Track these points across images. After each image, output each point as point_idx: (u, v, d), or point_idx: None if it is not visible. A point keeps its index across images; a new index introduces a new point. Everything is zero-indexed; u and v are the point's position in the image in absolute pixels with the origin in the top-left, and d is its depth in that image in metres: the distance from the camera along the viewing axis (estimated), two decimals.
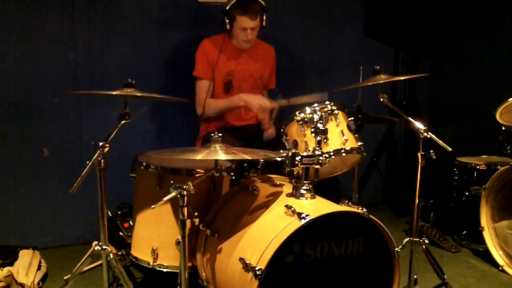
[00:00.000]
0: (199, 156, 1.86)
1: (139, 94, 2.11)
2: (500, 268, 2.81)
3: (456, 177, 3.21)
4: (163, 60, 3.23)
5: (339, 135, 2.16)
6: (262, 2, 2.77)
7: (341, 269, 1.86)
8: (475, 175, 3.07)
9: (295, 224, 1.74)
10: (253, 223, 1.92)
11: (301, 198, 1.99)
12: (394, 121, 3.16)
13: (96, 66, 3.05)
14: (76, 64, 3.00)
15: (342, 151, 2.14)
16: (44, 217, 3.04)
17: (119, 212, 2.91)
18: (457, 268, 2.86)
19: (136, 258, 2.30)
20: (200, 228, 2.12)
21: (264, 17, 2.81)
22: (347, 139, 2.15)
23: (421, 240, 2.37)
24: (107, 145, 2.00)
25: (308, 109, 2.13)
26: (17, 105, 2.90)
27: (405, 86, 3.98)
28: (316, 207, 1.92)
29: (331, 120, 2.16)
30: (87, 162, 1.98)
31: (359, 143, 2.22)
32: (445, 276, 2.46)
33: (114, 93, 2.09)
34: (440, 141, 2.26)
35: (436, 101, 4.12)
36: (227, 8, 2.75)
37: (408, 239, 2.38)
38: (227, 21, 2.78)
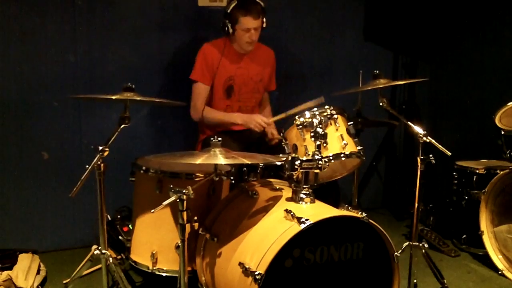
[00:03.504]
0: (198, 160, 1.86)
1: (138, 98, 2.11)
2: (499, 272, 2.80)
3: (456, 181, 3.20)
4: (163, 63, 3.23)
5: (339, 140, 2.16)
6: (262, 3, 2.77)
7: (340, 273, 1.86)
8: (474, 179, 3.07)
9: (295, 228, 1.74)
10: (253, 227, 1.92)
11: (300, 202, 1.99)
12: (394, 125, 3.16)
13: (96, 69, 3.04)
14: (76, 66, 3.00)
15: (342, 155, 2.15)
16: (43, 220, 3.03)
17: (119, 216, 2.91)
18: (457, 272, 2.86)
19: (135, 262, 2.29)
20: (200, 232, 2.12)
21: (264, 19, 2.81)
22: (347, 143, 2.16)
23: (420, 244, 2.37)
24: (107, 149, 2.01)
25: (307, 114, 2.14)
26: (16, 107, 2.89)
27: (404, 89, 3.98)
28: (316, 211, 1.92)
29: (331, 124, 2.17)
30: (87, 166, 1.98)
31: (359, 147, 2.23)
32: (444, 280, 2.46)
33: (114, 97, 2.09)
34: (440, 145, 2.26)
35: (435, 105, 4.12)
36: (229, 11, 2.75)
37: (407, 243, 2.37)
38: (229, 24, 2.77)
